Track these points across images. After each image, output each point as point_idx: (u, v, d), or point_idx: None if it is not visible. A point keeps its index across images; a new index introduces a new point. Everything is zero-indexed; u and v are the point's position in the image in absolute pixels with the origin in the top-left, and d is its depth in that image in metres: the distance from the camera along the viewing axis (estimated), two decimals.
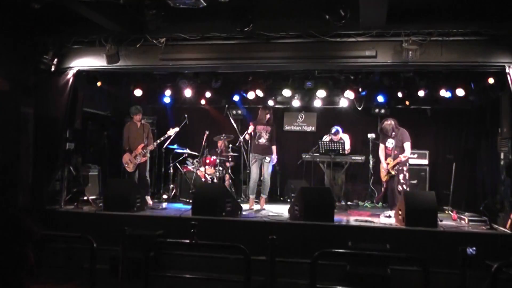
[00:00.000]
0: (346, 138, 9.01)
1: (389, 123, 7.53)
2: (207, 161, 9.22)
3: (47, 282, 5.82)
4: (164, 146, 9.17)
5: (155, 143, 8.45)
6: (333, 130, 9.01)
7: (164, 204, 8.27)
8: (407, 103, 9.81)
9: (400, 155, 7.45)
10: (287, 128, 11.00)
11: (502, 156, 7.51)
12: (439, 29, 6.40)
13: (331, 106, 10.36)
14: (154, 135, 9.35)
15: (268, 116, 8.28)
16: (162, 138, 8.54)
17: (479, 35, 6.37)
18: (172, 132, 8.58)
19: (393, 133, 7.54)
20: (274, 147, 8.26)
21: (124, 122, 10.39)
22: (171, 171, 9.70)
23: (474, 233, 6.34)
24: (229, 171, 9.58)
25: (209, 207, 6.82)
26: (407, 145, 7.48)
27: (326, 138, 8.98)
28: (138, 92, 9.80)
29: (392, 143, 7.58)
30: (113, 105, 10.38)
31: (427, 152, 9.63)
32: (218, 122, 10.79)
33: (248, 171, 8.51)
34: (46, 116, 7.51)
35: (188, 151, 9.58)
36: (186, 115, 9.18)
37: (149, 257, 4.55)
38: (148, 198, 8.27)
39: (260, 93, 9.61)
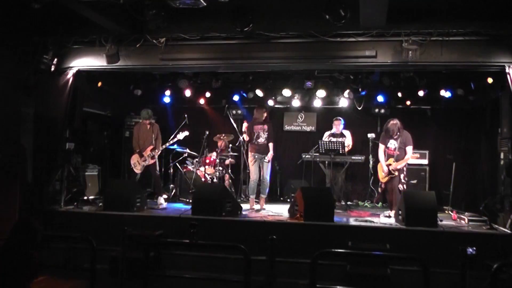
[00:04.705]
0: (348, 134, 9.00)
1: (395, 123, 7.51)
2: (207, 161, 9.22)
3: (47, 282, 5.82)
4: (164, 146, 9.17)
5: (163, 146, 8.43)
6: (336, 117, 9.05)
7: (164, 204, 8.26)
8: (407, 103, 9.81)
9: (401, 160, 7.43)
10: (287, 128, 11.00)
11: (502, 156, 7.51)
12: (439, 29, 6.40)
13: (331, 106, 10.37)
14: None
15: (265, 114, 8.28)
16: (171, 142, 8.53)
17: (479, 35, 6.37)
18: (181, 136, 8.57)
19: (398, 134, 7.50)
20: (271, 144, 8.21)
21: (124, 122, 10.45)
22: (171, 171, 9.70)
23: (474, 233, 6.34)
24: (229, 170, 9.59)
25: (209, 207, 6.83)
26: (410, 149, 7.47)
27: (326, 137, 8.96)
28: (138, 92, 9.80)
29: (394, 144, 7.55)
30: (113, 105, 10.38)
31: (427, 152, 9.64)
32: (218, 122, 10.79)
33: (248, 171, 8.51)
34: (46, 116, 7.51)
35: (188, 151, 9.58)
36: (186, 115, 9.18)
37: (149, 257, 4.55)
38: (161, 199, 8.25)
39: (260, 93, 9.62)
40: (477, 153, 9.50)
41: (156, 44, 7.11)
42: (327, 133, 9.08)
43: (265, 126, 8.24)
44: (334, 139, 8.81)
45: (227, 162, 9.55)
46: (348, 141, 8.91)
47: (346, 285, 5.63)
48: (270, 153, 8.19)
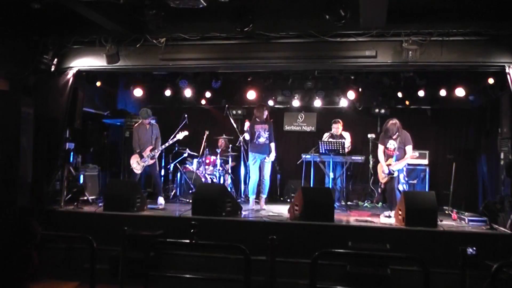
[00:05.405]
0: (347, 135, 9.00)
1: (394, 122, 7.50)
2: (207, 161, 9.22)
3: (47, 282, 5.83)
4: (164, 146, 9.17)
5: (163, 146, 8.42)
6: (335, 120, 9.04)
7: (164, 204, 8.25)
8: (407, 103, 9.81)
9: (402, 159, 7.42)
10: (287, 128, 11.00)
11: (502, 156, 7.51)
12: (439, 29, 6.40)
13: (331, 106, 10.37)
14: None
15: (266, 113, 8.28)
16: (170, 142, 8.51)
17: (479, 35, 6.36)
18: (181, 136, 8.55)
19: (397, 134, 7.49)
20: (273, 144, 8.23)
21: (124, 122, 10.44)
22: (171, 171, 9.70)
23: (474, 233, 6.33)
24: (229, 171, 9.59)
25: (209, 207, 6.82)
26: (409, 148, 7.46)
27: (325, 137, 8.97)
28: (138, 92, 9.80)
29: (393, 145, 7.54)
30: (113, 105, 10.38)
31: (427, 152, 9.64)
32: (218, 122, 10.80)
33: (248, 171, 8.51)
34: (46, 116, 7.50)
35: (188, 151, 9.58)
36: (186, 115, 9.18)
37: (149, 257, 4.54)
38: (161, 199, 8.24)
39: (260, 93, 9.62)
40: (477, 153, 9.50)
41: (156, 44, 7.11)
42: (326, 134, 9.07)
43: (266, 126, 8.24)
44: (333, 141, 8.81)
45: (227, 166, 9.55)
46: (348, 142, 8.91)
47: (346, 285, 5.63)
48: (273, 154, 8.19)
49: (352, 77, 9.11)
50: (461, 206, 8.52)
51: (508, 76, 6.31)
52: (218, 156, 9.20)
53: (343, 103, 10.00)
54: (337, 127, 8.96)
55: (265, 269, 4.30)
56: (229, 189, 8.46)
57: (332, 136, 8.96)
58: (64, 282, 6.03)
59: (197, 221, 4.24)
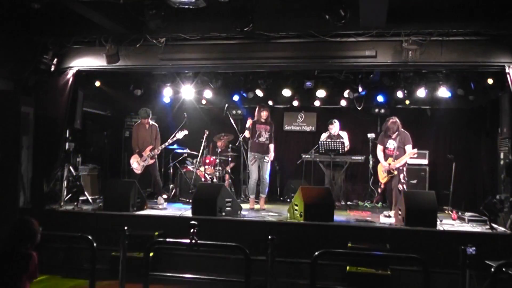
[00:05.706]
0: (344, 135, 9.00)
1: (395, 121, 7.51)
2: (207, 161, 9.22)
3: (47, 282, 5.82)
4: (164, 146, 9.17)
5: (163, 145, 8.41)
6: (330, 121, 9.04)
7: (164, 204, 8.26)
8: (407, 103, 9.81)
9: (402, 157, 7.42)
10: (287, 128, 11.00)
11: (502, 156, 7.50)
12: (439, 29, 6.40)
13: (331, 106, 10.36)
14: None
15: (266, 114, 8.29)
16: (170, 141, 8.51)
17: (479, 35, 6.37)
18: (180, 135, 8.55)
19: (396, 133, 7.49)
20: (271, 145, 8.25)
21: (124, 122, 10.45)
22: (171, 171, 9.69)
23: (474, 233, 6.34)
24: (229, 171, 9.59)
25: (209, 207, 6.83)
26: (409, 148, 7.46)
27: (323, 137, 8.96)
28: (138, 92, 9.79)
29: (393, 144, 7.55)
30: (113, 105, 10.38)
31: (427, 152, 9.64)
32: (218, 122, 10.79)
33: (248, 171, 8.51)
34: (46, 116, 7.51)
35: (188, 151, 9.58)
36: (185, 115, 9.18)
37: (149, 257, 4.54)
38: (160, 199, 8.25)
39: (260, 93, 9.61)
40: (477, 153, 9.50)
41: (156, 44, 7.12)
42: (324, 135, 9.06)
43: (268, 127, 8.26)
44: (333, 141, 8.80)
45: (228, 168, 9.55)
46: (346, 142, 8.91)
47: (346, 285, 5.64)
48: (272, 154, 8.21)
49: (352, 77, 9.11)
50: (461, 206, 8.52)
51: (508, 76, 6.32)
52: (218, 156, 9.20)
53: (343, 103, 9.99)
54: (333, 128, 8.97)
55: (265, 269, 4.29)
56: (229, 189, 8.46)
57: (330, 136, 8.97)
58: (64, 281, 6.03)
59: (197, 221, 4.23)
